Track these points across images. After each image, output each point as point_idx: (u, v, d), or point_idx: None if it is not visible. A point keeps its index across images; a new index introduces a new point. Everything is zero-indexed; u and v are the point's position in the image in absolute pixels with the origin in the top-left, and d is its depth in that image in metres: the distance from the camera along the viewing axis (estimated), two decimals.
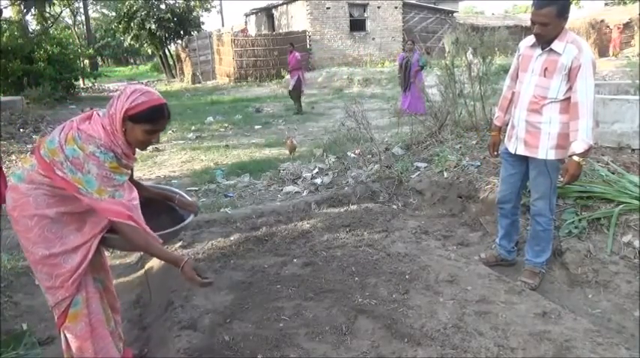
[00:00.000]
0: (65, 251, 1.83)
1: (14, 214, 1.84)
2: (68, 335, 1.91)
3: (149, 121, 1.80)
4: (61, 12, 22.26)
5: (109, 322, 2.06)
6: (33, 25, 18.85)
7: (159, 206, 2.30)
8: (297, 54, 11.08)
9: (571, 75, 2.59)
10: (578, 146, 2.57)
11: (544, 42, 2.63)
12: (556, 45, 2.60)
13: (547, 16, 2.51)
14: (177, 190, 2.41)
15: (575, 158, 2.59)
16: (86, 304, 1.91)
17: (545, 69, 2.64)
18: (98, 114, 1.83)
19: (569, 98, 2.65)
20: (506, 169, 3.03)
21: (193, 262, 1.93)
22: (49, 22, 16.50)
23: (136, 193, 1.95)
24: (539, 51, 2.69)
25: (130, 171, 1.94)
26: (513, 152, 2.89)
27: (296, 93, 11.14)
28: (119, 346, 2.12)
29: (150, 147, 1.94)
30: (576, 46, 2.57)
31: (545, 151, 2.73)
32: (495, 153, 3.23)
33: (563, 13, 2.53)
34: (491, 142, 3.21)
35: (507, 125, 3.11)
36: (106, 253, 2.34)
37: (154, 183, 5.65)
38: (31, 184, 1.82)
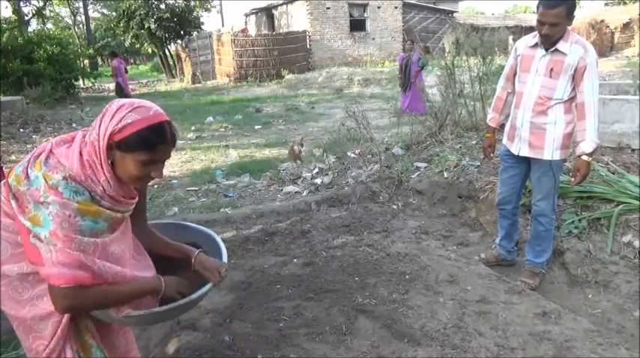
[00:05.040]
0: (34, 317, 1.40)
1: None
2: None
3: (144, 148, 1.31)
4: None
5: None
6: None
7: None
8: (115, 61, 12.28)
9: (577, 75, 2.59)
10: (587, 146, 2.58)
11: (549, 43, 2.63)
12: (561, 45, 2.59)
13: (558, 16, 2.49)
14: (208, 231, 1.82)
15: (585, 157, 2.60)
16: None
17: (551, 69, 2.63)
18: (84, 137, 1.37)
19: (572, 98, 2.66)
20: (506, 171, 3.02)
21: (176, 279, 1.52)
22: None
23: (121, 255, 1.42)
24: (541, 51, 2.68)
25: (121, 216, 1.42)
26: (517, 153, 2.86)
27: (120, 94, 12.45)
28: None
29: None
30: (581, 46, 2.58)
31: (551, 152, 2.73)
32: (492, 154, 3.22)
33: (571, 13, 2.53)
34: (486, 144, 3.16)
35: (502, 126, 3.10)
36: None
37: (153, 183, 5.65)
38: None
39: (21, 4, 18.30)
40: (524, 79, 2.78)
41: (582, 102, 2.60)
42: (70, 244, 1.26)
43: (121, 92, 12.54)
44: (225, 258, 1.67)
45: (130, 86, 21.52)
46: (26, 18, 18.32)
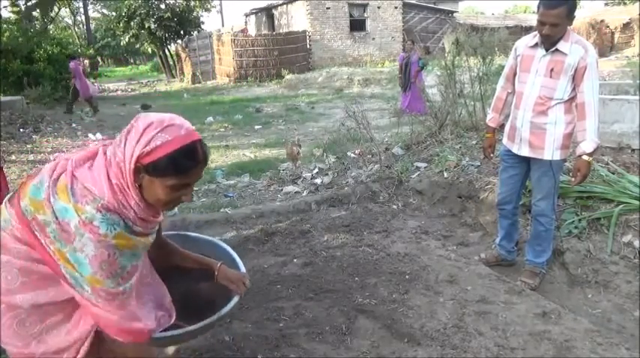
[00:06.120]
0: (46, 352, 1.28)
1: None
2: None
3: (175, 173, 1.20)
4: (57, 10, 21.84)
5: None
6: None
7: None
8: (71, 63, 11.89)
9: (577, 75, 2.59)
10: (587, 146, 2.58)
11: (550, 43, 2.63)
12: (562, 45, 2.59)
13: (558, 17, 2.48)
14: (225, 247, 1.80)
15: (585, 157, 2.60)
16: None
17: (552, 69, 2.63)
18: (105, 154, 1.24)
19: (573, 98, 2.66)
20: (506, 170, 3.02)
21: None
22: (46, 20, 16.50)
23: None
24: (542, 52, 2.68)
25: (149, 240, 1.34)
26: (517, 153, 2.87)
27: (73, 97, 11.99)
28: None
29: None
30: (582, 46, 2.57)
31: (552, 152, 2.73)
32: (491, 154, 3.22)
33: (572, 14, 2.53)
34: (486, 144, 3.16)
35: (502, 126, 3.10)
36: None
37: None
38: (2, 254, 1.25)
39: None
40: (524, 79, 2.78)
41: (582, 103, 2.60)
42: (113, 301, 1.20)
43: (76, 96, 11.88)
44: (243, 268, 1.66)
45: (131, 86, 21.60)
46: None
